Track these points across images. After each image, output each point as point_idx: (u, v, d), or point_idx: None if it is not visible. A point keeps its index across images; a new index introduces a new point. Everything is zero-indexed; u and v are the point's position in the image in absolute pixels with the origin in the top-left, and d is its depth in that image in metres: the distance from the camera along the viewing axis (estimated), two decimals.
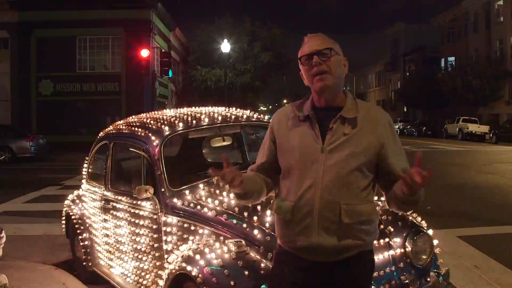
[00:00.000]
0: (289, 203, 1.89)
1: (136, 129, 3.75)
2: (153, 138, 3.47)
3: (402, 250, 2.91)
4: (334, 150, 1.84)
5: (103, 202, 4.07)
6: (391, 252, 2.88)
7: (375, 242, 2.82)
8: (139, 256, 3.50)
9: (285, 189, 1.95)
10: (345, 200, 1.83)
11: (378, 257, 2.78)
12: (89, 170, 4.67)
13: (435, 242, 3.06)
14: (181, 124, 3.62)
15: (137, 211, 3.52)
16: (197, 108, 4.21)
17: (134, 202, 3.54)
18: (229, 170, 1.85)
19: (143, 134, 3.59)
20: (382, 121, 1.91)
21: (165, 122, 3.64)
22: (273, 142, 2.02)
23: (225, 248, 2.65)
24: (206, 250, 2.68)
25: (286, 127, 1.96)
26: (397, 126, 42.99)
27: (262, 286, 2.40)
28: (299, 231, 1.87)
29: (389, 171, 1.90)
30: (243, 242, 2.63)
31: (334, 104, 1.91)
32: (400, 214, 2.94)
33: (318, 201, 1.83)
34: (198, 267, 2.61)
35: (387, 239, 2.91)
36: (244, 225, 2.75)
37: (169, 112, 4.09)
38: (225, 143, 3.98)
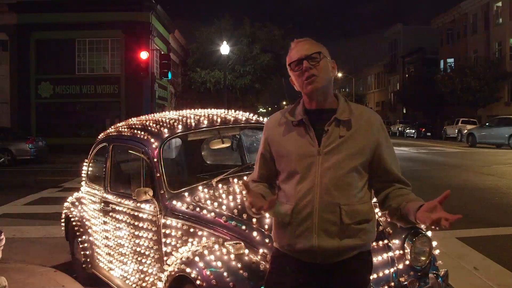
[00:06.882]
0: (288, 206, 1.90)
1: (135, 131, 3.75)
2: (152, 140, 3.47)
3: (401, 252, 2.91)
4: (331, 152, 1.86)
5: (102, 204, 4.07)
6: (390, 253, 2.88)
7: (374, 243, 2.84)
8: (139, 258, 3.51)
9: (283, 192, 1.96)
10: (344, 201, 1.85)
11: (377, 259, 2.78)
12: (89, 172, 4.67)
13: (434, 243, 3.06)
14: (180, 127, 3.62)
15: (136, 213, 3.52)
16: (196, 110, 4.22)
17: (134, 204, 3.54)
18: (255, 199, 1.84)
19: (142, 136, 3.60)
20: (375, 123, 1.95)
21: (164, 125, 3.65)
22: (268, 151, 2.03)
23: (224, 250, 2.65)
24: (206, 252, 2.68)
25: (279, 134, 1.97)
26: (397, 128, 43.08)
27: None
28: (298, 234, 1.88)
29: (386, 170, 1.94)
30: (242, 244, 2.63)
31: (326, 106, 1.93)
32: None
33: (318, 203, 1.84)
34: (197, 269, 2.61)
35: (386, 241, 2.91)
36: (243, 227, 2.76)
37: (168, 114, 4.10)
38: (224, 145, 3.98)
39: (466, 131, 26.17)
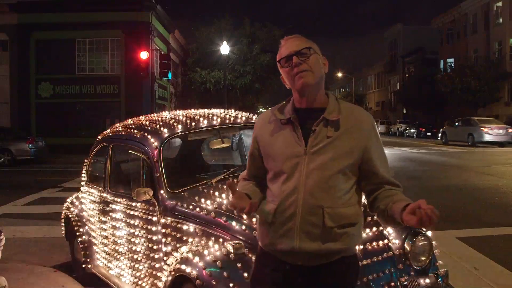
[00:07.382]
0: (272, 205, 1.87)
1: (135, 131, 3.75)
2: (152, 140, 3.47)
3: (401, 252, 2.91)
4: (317, 153, 1.81)
5: (102, 204, 4.07)
6: (390, 253, 2.88)
7: (374, 243, 2.84)
8: (138, 258, 3.51)
9: (270, 191, 1.93)
10: (328, 204, 1.80)
11: (377, 259, 2.79)
12: (88, 172, 4.68)
13: (434, 243, 3.06)
14: (180, 126, 3.62)
15: (136, 213, 3.53)
16: (196, 110, 4.22)
17: (133, 204, 3.54)
18: (238, 200, 1.81)
19: (142, 136, 3.60)
20: (366, 124, 1.88)
21: (164, 124, 3.65)
22: (257, 150, 2.00)
23: (224, 250, 2.65)
24: (205, 252, 2.69)
25: (268, 133, 1.94)
26: (397, 128, 43.08)
27: None
28: (281, 234, 1.85)
29: (374, 173, 1.87)
30: (242, 244, 2.63)
31: (316, 105, 1.88)
32: None
33: (301, 204, 1.80)
34: (197, 269, 2.61)
35: (386, 241, 2.91)
36: (243, 227, 2.75)
37: (168, 114, 4.10)
38: (224, 145, 3.98)
39: (441, 129, 28.48)
